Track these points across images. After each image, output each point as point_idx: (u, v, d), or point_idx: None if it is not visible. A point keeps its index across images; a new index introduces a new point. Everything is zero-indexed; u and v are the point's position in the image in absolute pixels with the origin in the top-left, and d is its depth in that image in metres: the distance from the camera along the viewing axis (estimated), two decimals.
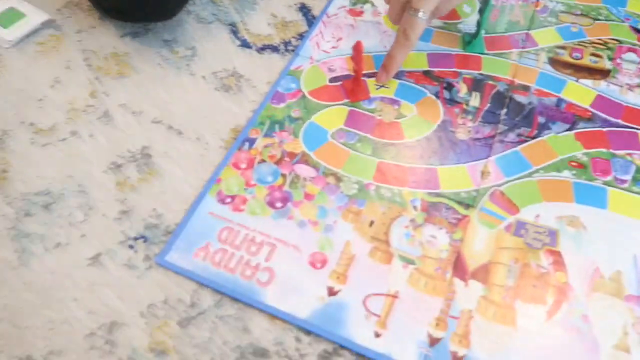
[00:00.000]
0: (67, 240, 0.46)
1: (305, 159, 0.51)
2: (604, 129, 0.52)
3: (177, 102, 0.55)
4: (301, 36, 0.61)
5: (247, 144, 0.52)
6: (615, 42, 0.59)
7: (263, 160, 0.51)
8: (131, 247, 0.46)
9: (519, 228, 0.46)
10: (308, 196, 0.48)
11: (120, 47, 0.60)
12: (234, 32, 0.62)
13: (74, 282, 0.44)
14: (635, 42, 0.59)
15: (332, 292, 0.43)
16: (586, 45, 0.59)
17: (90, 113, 0.55)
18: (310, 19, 0.63)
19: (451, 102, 0.54)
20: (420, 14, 0.51)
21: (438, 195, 0.48)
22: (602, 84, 0.55)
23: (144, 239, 0.46)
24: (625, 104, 0.54)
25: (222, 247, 0.45)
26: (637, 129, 0.52)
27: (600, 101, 0.54)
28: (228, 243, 0.46)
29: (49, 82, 0.57)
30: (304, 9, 0.64)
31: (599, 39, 0.59)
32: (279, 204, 0.48)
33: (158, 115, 0.54)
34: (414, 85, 0.56)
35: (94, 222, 0.47)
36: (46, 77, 0.58)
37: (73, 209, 0.48)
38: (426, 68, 0.57)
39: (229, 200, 0.48)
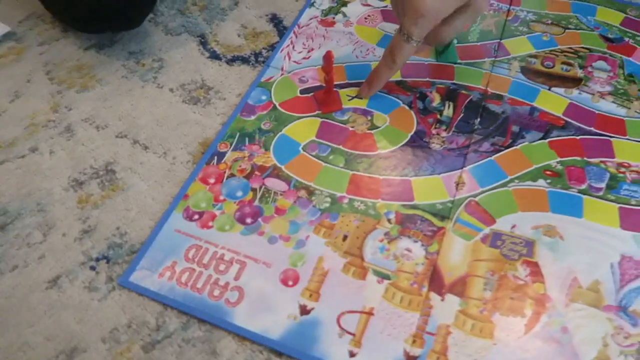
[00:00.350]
0: (24, 262, 0.44)
1: (276, 173, 0.49)
2: (578, 137, 0.52)
3: (143, 115, 0.54)
4: (272, 47, 0.60)
5: (216, 158, 0.50)
6: (586, 50, 0.59)
7: (232, 175, 0.49)
8: (93, 268, 0.43)
9: (495, 239, 0.45)
10: (279, 211, 0.47)
11: (84, 60, 0.58)
12: (203, 43, 0.60)
13: (30, 306, 0.41)
14: (606, 50, 0.59)
15: (304, 311, 0.41)
16: (557, 54, 0.59)
17: (51, 128, 0.52)
18: (282, 30, 0.62)
19: (425, 112, 0.54)
20: (412, 42, 0.48)
21: (413, 207, 0.47)
22: (575, 92, 0.55)
23: (107, 259, 0.44)
24: (597, 112, 0.54)
25: (190, 266, 0.43)
26: (610, 136, 0.52)
27: (573, 109, 0.54)
28: (196, 262, 0.44)
29: (8, 96, 0.55)
30: (275, 20, 0.63)
31: (570, 48, 0.59)
32: (249, 220, 0.46)
33: (123, 130, 0.52)
34: (387, 95, 0.55)
35: (54, 242, 0.45)
36: (5, 91, 0.55)
37: (31, 228, 0.45)
38: (399, 78, 0.57)
39: (196, 216, 0.46)
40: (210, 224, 0.46)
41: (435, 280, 0.43)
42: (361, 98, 0.54)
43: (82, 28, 0.58)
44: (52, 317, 0.41)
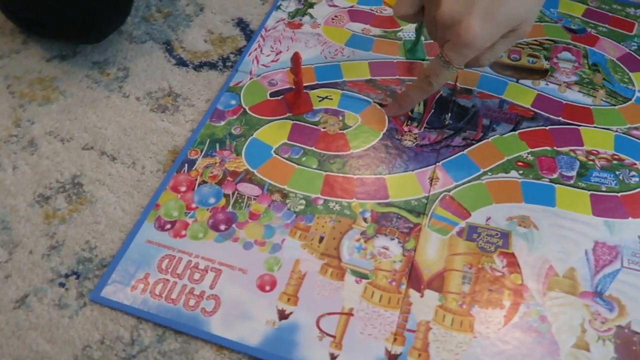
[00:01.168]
0: None
1: (249, 177, 0.48)
2: (547, 127, 0.52)
3: (110, 126, 0.52)
4: (239, 51, 0.59)
5: (186, 166, 0.49)
6: (550, 42, 0.60)
7: (204, 182, 0.48)
8: (62, 284, 0.42)
9: (471, 232, 0.45)
10: (253, 215, 0.46)
11: (46, 72, 0.57)
12: (169, 50, 0.59)
13: None
14: (570, 41, 0.60)
15: (283, 315, 0.40)
16: (523, 46, 0.60)
17: (13, 143, 0.51)
18: (249, 34, 0.61)
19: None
20: (452, 68, 0.45)
21: (388, 204, 0.47)
22: (542, 84, 0.56)
23: (76, 274, 0.42)
24: (565, 102, 0.54)
25: (163, 277, 0.42)
26: (578, 125, 0.52)
27: (541, 100, 0.54)
28: (169, 272, 0.43)
29: None
30: (242, 24, 0.62)
31: (535, 40, 0.60)
32: (222, 226, 0.45)
33: (89, 141, 0.51)
34: (357, 94, 0.55)
35: (20, 260, 0.43)
36: None
37: None
38: (369, 77, 0.57)
39: (168, 226, 0.45)
40: (183, 232, 0.45)
41: (413, 277, 0.42)
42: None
43: (40, 31, 0.56)
44: (21, 338, 0.39)
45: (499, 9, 0.40)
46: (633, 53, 0.59)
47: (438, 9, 0.43)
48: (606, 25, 0.62)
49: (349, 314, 0.41)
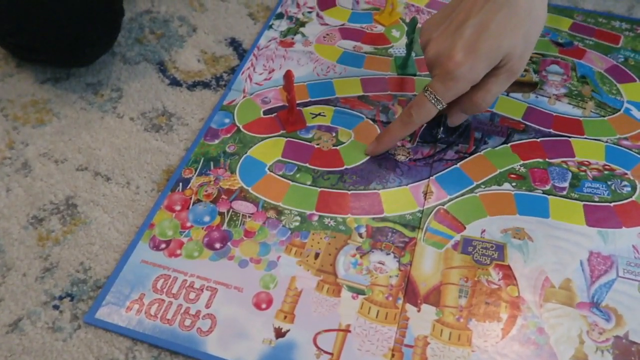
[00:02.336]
0: None
1: (243, 195, 0.48)
2: (538, 139, 0.53)
3: (104, 146, 0.52)
4: (233, 70, 0.60)
5: (181, 185, 0.49)
6: (539, 55, 0.61)
7: (199, 200, 0.48)
8: (56, 307, 0.42)
9: (466, 245, 0.45)
10: (248, 233, 0.46)
11: (40, 94, 0.57)
12: (163, 70, 0.60)
13: None
14: (557, 54, 0.61)
15: (279, 333, 0.40)
16: None
17: (7, 165, 0.51)
18: (241, 53, 0.62)
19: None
20: (437, 103, 0.45)
21: (383, 219, 0.47)
22: (531, 96, 0.57)
23: (71, 296, 0.42)
24: (555, 114, 0.55)
25: (158, 297, 0.42)
26: (569, 136, 0.53)
27: (531, 113, 0.55)
28: (164, 292, 0.42)
29: None
30: (235, 43, 0.63)
31: None
32: (218, 245, 0.45)
33: (83, 162, 0.51)
34: (350, 110, 0.55)
35: (13, 283, 0.43)
36: None
37: None
38: (361, 93, 0.57)
39: (163, 245, 0.45)
40: (178, 252, 0.45)
41: (410, 292, 0.42)
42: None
43: (34, 59, 0.57)
44: None
45: (481, 42, 0.42)
46: (620, 65, 0.60)
47: (425, 53, 0.45)
48: (592, 38, 0.63)
49: (346, 330, 0.40)
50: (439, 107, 0.45)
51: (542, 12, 0.43)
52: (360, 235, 0.46)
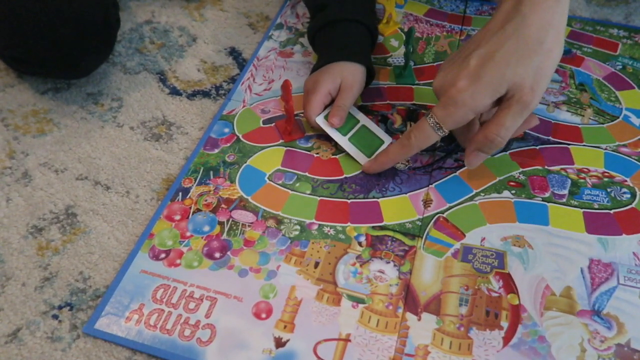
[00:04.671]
0: None
1: (243, 204, 0.48)
2: (537, 147, 0.53)
3: (104, 156, 0.52)
4: (232, 80, 0.60)
5: (180, 194, 0.49)
6: None
7: (198, 210, 0.48)
8: (55, 317, 0.41)
9: (466, 253, 0.45)
10: (248, 242, 0.46)
11: (40, 104, 0.57)
12: (163, 80, 0.60)
13: None
14: None
15: (279, 343, 0.40)
16: None
17: (7, 175, 0.51)
18: (241, 63, 0.62)
19: (387, 133, 0.54)
20: (438, 129, 0.44)
21: (382, 228, 0.47)
22: None
23: (70, 306, 0.42)
24: (553, 121, 0.55)
25: (158, 307, 0.42)
26: (568, 144, 0.53)
27: None
28: (164, 302, 0.42)
29: None
30: (235, 53, 0.63)
31: None
32: (217, 254, 0.45)
33: (83, 172, 0.51)
34: None
35: (12, 293, 0.43)
36: None
37: None
38: (360, 103, 0.57)
39: (163, 255, 0.45)
40: (178, 261, 0.45)
41: (410, 300, 0.42)
42: (367, 173, 0.51)
43: (31, 71, 0.57)
44: None
45: (485, 70, 0.41)
46: (618, 72, 0.60)
47: (434, 82, 0.45)
48: (590, 46, 0.63)
49: (347, 339, 0.40)
50: (439, 133, 0.45)
51: (556, 45, 0.41)
52: (360, 244, 0.46)
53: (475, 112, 0.43)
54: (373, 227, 0.47)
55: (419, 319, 0.41)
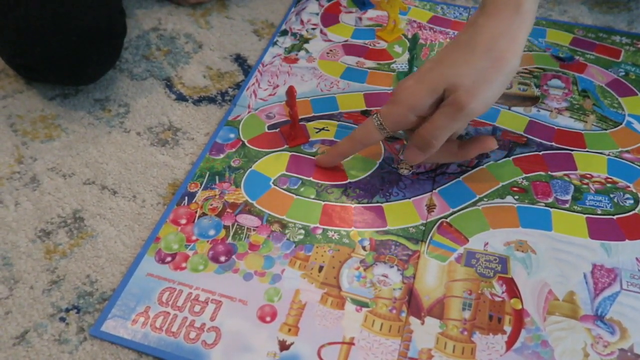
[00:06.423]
0: None
1: (248, 209, 0.49)
2: (540, 153, 0.53)
3: (111, 160, 0.53)
4: (238, 86, 0.61)
5: (186, 199, 0.50)
6: (540, 70, 0.62)
7: (204, 214, 0.49)
8: (62, 319, 0.42)
9: (469, 258, 0.45)
10: (253, 246, 0.46)
11: (49, 110, 0.58)
12: (169, 86, 0.61)
13: None
14: (558, 68, 0.62)
15: (284, 346, 0.40)
16: (514, 75, 0.61)
17: (15, 180, 0.51)
18: (246, 69, 0.63)
19: (391, 139, 0.54)
20: (380, 126, 0.45)
21: (386, 232, 0.47)
22: (533, 110, 0.57)
23: (77, 309, 0.43)
24: (556, 127, 0.55)
25: (164, 310, 0.42)
26: (571, 149, 0.53)
27: (533, 126, 0.56)
28: (170, 305, 0.43)
29: None
30: (240, 59, 0.64)
31: (525, 69, 0.62)
32: (222, 258, 0.45)
33: (90, 176, 0.52)
34: (353, 125, 0.56)
35: (20, 296, 0.43)
36: None
37: None
38: (364, 108, 0.58)
39: (169, 258, 0.45)
40: (184, 265, 0.45)
41: (413, 305, 0.43)
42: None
43: (39, 78, 0.58)
44: None
45: (429, 71, 0.43)
46: (621, 79, 0.60)
47: None
48: (593, 53, 0.63)
49: (350, 343, 0.40)
50: (381, 129, 0.45)
51: (507, 54, 0.41)
52: (363, 248, 0.46)
53: (414, 111, 0.43)
54: (377, 232, 0.47)
55: (423, 323, 0.41)
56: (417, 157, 0.46)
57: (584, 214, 0.48)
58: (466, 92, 0.41)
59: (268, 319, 0.42)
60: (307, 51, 0.65)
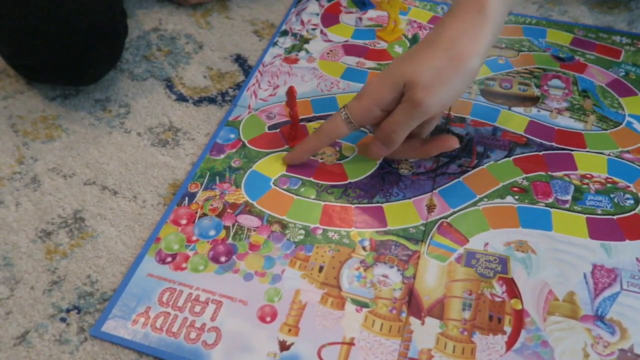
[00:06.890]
0: None
1: (248, 209, 0.49)
2: (540, 153, 0.53)
3: (111, 161, 0.53)
4: (238, 86, 0.61)
5: (187, 199, 0.50)
6: (540, 70, 0.62)
7: (204, 214, 0.49)
8: (63, 320, 0.42)
9: (469, 258, 0.45)
10: (253, 247, 0.46)
11: (49, 110, 0.58)
12: (169, 86, 0.61)
13: None
14: (559, 69, 0.62)
15: (284, 347, 0.40)
16: (514, 75, 0.61)
17: (16, 180, 0.51)
18: (247, 69, 0.63)
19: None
20: (347, 119, 0.46)
21: (386, 232, 0.47)
22: (533, 110, 0.57)
23: (78, 309, 0.43)
24: (556, 127, 0.55)
25: (164, 310, 0.42)
26: (571, 150, 0.53)
27: (533, 126, 0.56)
28: (170, 305, 0.43)
29: None
30: (240, 60, 0.64)
31: (525, 69, 0.62)
32: (223, 258, 0.46)
33: (91, 177, 0.52)
34: None
35: (21, 296, 0.43)
36: None
37: None
38: None
39: (169, 259, 0.45)
40: (184, 265, 0.45)
41: (413, 305, 0.43)
42: (286, 163, 0.52)
43: (40, 79, 0.58)
44: None
45: (394, 67, 0.44)
46: (621, 79, 0.60)
47: None
48: (593, 53, 0.63)
49: (350, 343, 0.41)
50: (348, 123, 0.46)
51: (467, 54, 0.41)
52: (364, 248, 0.46)
53: (379, 105, 0.44)
54: (377, 232, 0.47)
55: (423, 323, 0.42)
56: (380, 152, 0.47)
57: (584, 214, 0.48)
58: (422, 89, 0.42)
59: (268, 319, 0.42)
60: (307, 51, 0.65)
